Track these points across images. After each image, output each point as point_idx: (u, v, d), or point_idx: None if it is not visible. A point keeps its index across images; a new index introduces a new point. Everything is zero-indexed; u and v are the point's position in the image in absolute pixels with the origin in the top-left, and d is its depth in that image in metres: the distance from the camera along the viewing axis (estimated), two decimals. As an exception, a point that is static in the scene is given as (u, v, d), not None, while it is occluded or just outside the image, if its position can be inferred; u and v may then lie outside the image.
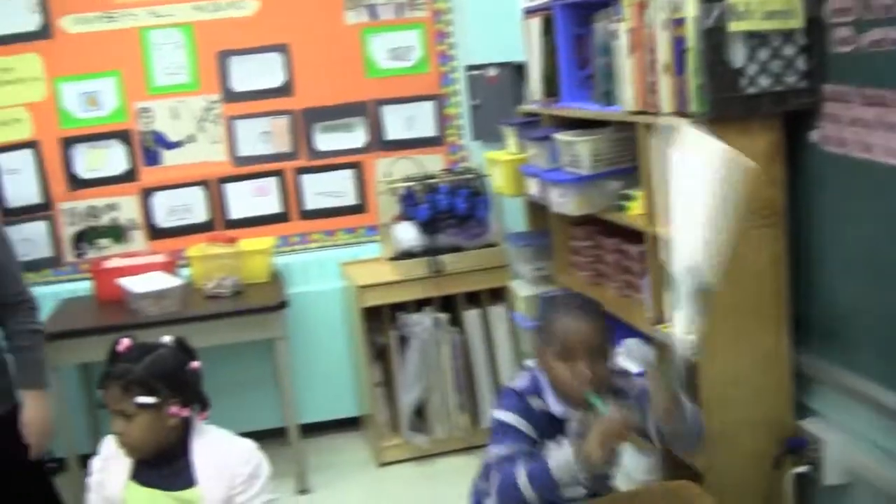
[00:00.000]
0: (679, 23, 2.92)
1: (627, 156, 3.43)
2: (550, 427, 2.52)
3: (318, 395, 5.15)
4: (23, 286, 3.14)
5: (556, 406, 2.54)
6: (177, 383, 2.52)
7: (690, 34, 2.86)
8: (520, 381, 2.60)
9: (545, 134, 3.79)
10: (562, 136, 3.61)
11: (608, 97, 3.48)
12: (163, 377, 2.49)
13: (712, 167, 2.11)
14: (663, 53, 3.01)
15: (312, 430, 5.16)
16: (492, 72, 4.83)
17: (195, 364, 2.60)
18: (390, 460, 4.78)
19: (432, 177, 4.81)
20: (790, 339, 3.04)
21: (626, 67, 3.26)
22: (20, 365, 3.08)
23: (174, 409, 2.49)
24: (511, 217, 4.82)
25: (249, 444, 2.63)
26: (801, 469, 3.00)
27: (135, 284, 4.40)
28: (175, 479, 2.53)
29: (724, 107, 2.84)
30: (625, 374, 2.60)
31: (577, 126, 3.69)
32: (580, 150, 3.50)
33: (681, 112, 2.97)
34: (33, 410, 3.06)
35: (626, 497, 2.86)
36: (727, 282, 2.88)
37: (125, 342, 2.58)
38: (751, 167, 2.08)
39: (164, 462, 2.54)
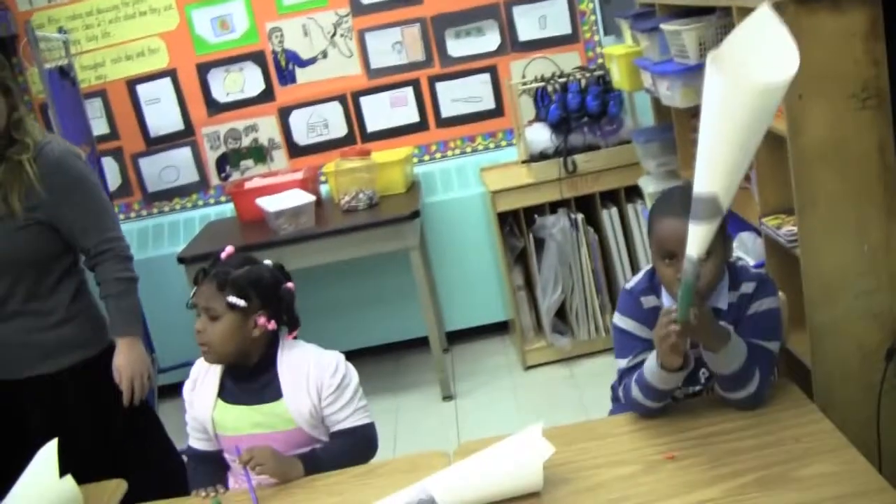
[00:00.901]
0: None
1: (735, 42, 3.33)
2: None
3: (465, 302, 5.28)
4: (112, 234, 3.09)
5: (669, 302, 2.47)
6: (269, 296, 2.60)
7: None
8: (635, 281, 2.56)
9: (655, 24, 3.71)
10: (667, 26, 3.53)
11: (711, -19, 3.37)
12: (257, 286, 2.58)
13: (752, 84, 1.84)
14: (748, -69, 2.90)
15: (461, 336, 5.33)
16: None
17: (290, 285, 2.70)
18: (535, 363, 4.87)
19: (563, 75, 4.78)
20: (903, 226, 2.93)
21: (719, -51, 3.15)
22: (111, 312, 3.10)
23: (261, 319, 2.57)
24: (643, 112, 4.75)
25: (336, 355, 2.67)
26: (916, 361, 2.91)
27: (271, 204, 4.60)
28: (261, 393, 2.61)
29: (811, -16, 2.72)
30: (744, 271, 2.51)
31: (690, 14, 3.60)
32: (685, 38, 3.42)
33: (769, -7, 2.86)
34: (123, 357, 3.06)
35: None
36: (829, 170, 2.82)
37: (229, 249, 2.68)
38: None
39: (250, 377, 2.63)
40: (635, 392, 2.38)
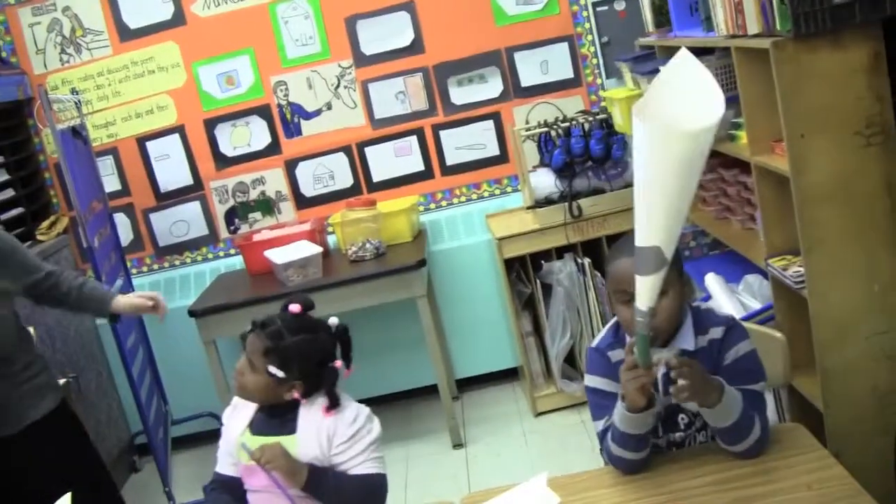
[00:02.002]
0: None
1: (734, 82, 3.24)
2: None
3: (474, 349, 5.17)
4: (40, 263, 3.28)
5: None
6: (311, 373, 2.54)
7: (768, -54, 2.66)
8: (600, 337, 2.46)
9: (655, 67, 3.63)
10: (667, 68, 3.45)
11: (710, 23, 3.29)
12: (302, 362, 2.52)
13: (681, 134, 1.78)
14: (745, -31, 2.81)
15: (471, 383, 5.22)
16: (620, 6, 4.66)
17: (338, 363, 2.60)
18: (545, 410, 4.75)
19: (566, 120, 4.69)
20: (912, 264, 2.81)
21: (716, -12, 3.07)
22: (96, 288, 3.39)
23: (295, 392, 2.53)
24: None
25: (359, 408, 2.61)
26: (933, 403, 2.78)
27: (279, 255, 4.52)
28: (281, 426, 2.57)
29: (812, 21, 2.63)
30: (711, 315, 2.40)
31: (690, 55, 3.52)
32: (685, 81, 3.33)
33: (767, 32, 2.78)
34: (133, 296, 3.45)
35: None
36: (834, 209, 2.71)
37: (296, 307, 2.60)
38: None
39: (277, 411, 2.59)
40: (613, 448, 2.27)
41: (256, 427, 2.60)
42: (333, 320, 2.63)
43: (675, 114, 1.79)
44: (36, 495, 2.93)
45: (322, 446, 2.51)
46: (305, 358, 2.52)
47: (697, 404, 2.17)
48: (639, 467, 2.28)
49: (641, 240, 1.91)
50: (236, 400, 2.68)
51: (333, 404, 2.57)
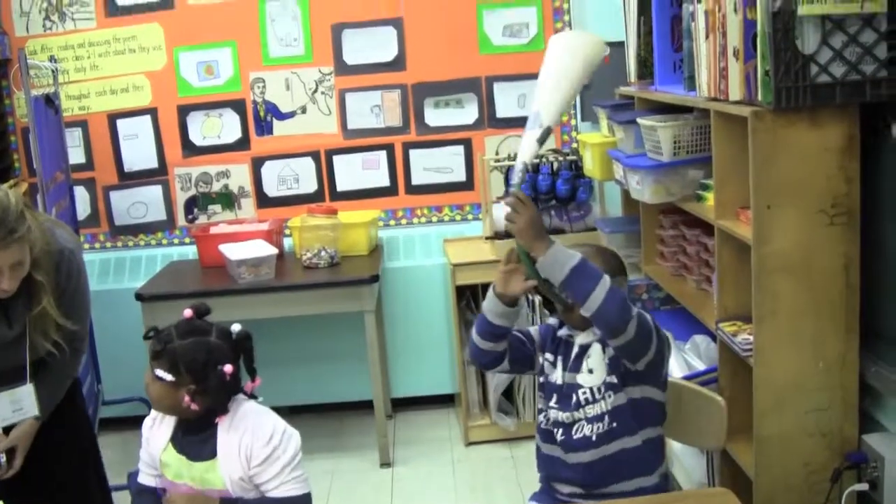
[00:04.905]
0: (752, 4, 2.71)
1: (709, 144, 3.24)
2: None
3: (414, 370, 5.11)
4: (82, 328, 2.95)
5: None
6: (201, 377, 2.48)
7: (760, 17, 2.65)
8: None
9: (632, 118, 3.62)
10: (644, 121, 3.45)
11: (692, 82, 3.28)
12: (190, 365, 2.46)
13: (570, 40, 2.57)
14: (734, 37, 2.81)
15: (407, 404, 5.16)
16: (605, 52, 4.63)
17: (228, 368, 2.52)
18: (477, 440, 4.69)
19: (536, 156, 4.66)
20: (859, 347, 2.80)
21: (703, 51, 3.06)
22: (43, 396, 2.88)
23: (186, 397, 2.46)
24: (612, 201, 4.65)
25: (275, 423, 2.54)
26: (860, 486, 2.77)
27: (233, 251, 4.45)
28: (200, 448, 2.52)
29: (792, 96, 2.63)
30: None
31: (668, 111, 3.52)
32: (661, 135, 3.34)
33: (748, 101, 2.77)
34: (26, 435, 2.86)
35: (661, 502, 2.70)
36: (791, 281, 2.71)
37: (188, 312, 2.57)
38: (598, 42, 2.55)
39: (194, 430, 2.54)
40: (473, 333, 2.62)
41: (179, 443, 2.56)
42: (235, 326, 2.58)
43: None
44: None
45: (244, 466, 2.48)
46: (192, 360, 2.46)
47: (529, 251, 2.36)
48: (482, 359, 2.66)
49: (533, 107, 2.43)
50: (156, 412, 2.64)
51: (221, 411, 2.53)
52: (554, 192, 4.58)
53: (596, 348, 2.54)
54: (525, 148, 2.42)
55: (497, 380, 4.59)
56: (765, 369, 2.79)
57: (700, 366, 3.21)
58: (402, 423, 5.03)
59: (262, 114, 4.99)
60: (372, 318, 4.42)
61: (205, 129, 5.00)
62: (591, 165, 4.10)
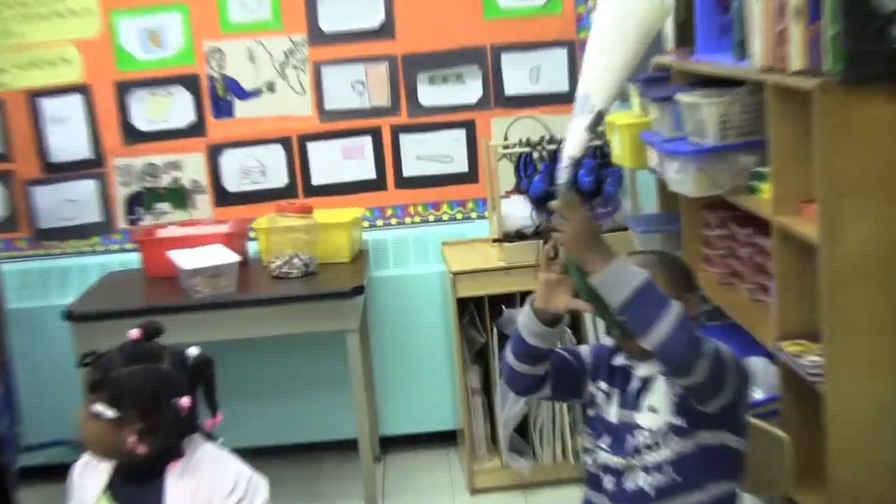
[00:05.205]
0: (818, -47, 2.70)
1: (764, 124, 3.23)
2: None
3: (408, 403, 5.13)
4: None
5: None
6: (150, 413, 2.47)
7: (828, -32, 2.64)
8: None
9: (670, 93, 3.61)
10: (685, 97, 3.44)
11: (742, 49, 3.27)
12: (134, 396, 2.45)
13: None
14: (796, -7, 2.80)
15: (399, 443, 5.17)
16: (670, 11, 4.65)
17: (184, 401, 2.52)
18: (484, 487, 4.70)
19: (553, 141, 4.66)
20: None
21: (756, 11, 3.05)
22: None
23: (131, 437, 2.45)
24: (646, 195, 4.65)
25: (239, 471, 2.55)
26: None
27: (186, 259, 4.44)
28: (145, 499, 2.51)
29: (866, 63, 2.61)
30: None
31: (714, 85, 3.50)
32: (705, 114, 3.33)
33: (812, 71, 2.76)
34: None
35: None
36: (870, 289, 2.69)
37: (135, 332, 2.56)
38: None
39: (137, 478, 2.54)
40: (507, 351, 2.58)
41: (117, 492, 2.56)
42: (193, 350, 2.59)
43: None
44: None
45: None
46: (139, 391, 2.45)
47: (581, 266, 2.32)
48: (518, 384, 2.61)
49: (580, 89, 2.37)
50: (87, 455, 2.63)
51: (173, 454, 2.53)
52: (576, 184, 4.56)
53: (660, 383, 2.49)
54: (573, 139, 2.37)
55: (508, 413, 4.59)
56: (838, 398, 2.77)
57: (757, 395, 3.20)
58: (392, 466, 5.03)
59: (220, 92, 4.99)
60: (356, 339, 4.41)
61: (151, 110, 5.00)
62: (619, 152, 4.10)
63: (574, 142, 2.36)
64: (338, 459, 5.05)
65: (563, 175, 2.36)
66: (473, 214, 5.15)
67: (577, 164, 2.36)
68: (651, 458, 2.45)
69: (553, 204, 2.34)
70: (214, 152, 5.05)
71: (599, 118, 2.35)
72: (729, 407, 2.40)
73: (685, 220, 3.92)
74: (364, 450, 4.52)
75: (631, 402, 2.52)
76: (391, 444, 5.17)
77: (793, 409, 3.05)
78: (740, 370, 2.42)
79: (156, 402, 2.47)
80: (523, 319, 2.50)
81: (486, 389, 4.80)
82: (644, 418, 2.48)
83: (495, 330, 4.63)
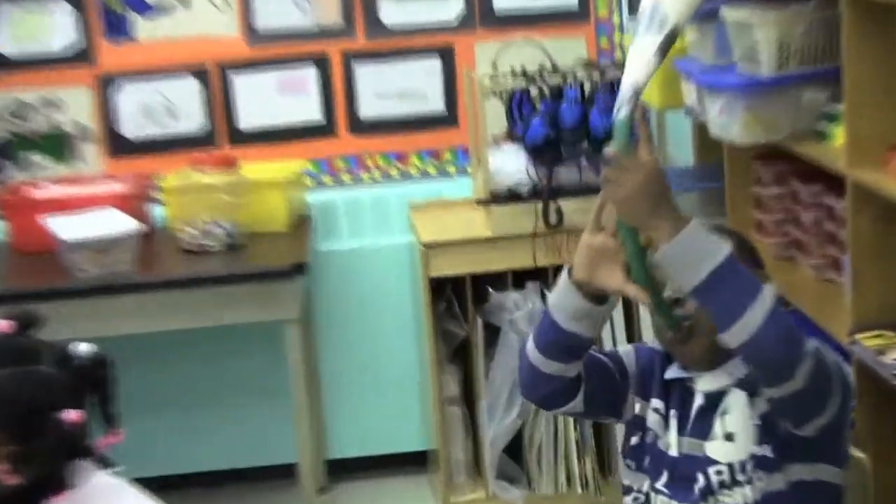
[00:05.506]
0: None
1: (837, 49, 3.24)
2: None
3: (364, 417, 5.17)
4: None
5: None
6: (23, 431, 2.44)
7: None
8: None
9: (713, 7, 3.61)
10: (733, 13, 3.45)
11: (809, -51, 3.28)
12: (3, 413, 2.42)
13: None
14: None
15: (351, 469, 5.21)
16: None
17: (70, 415, 2.51)
18: (467, 523, 4.73)
19: (557, 72, 4.66)
20: None
21: None
22: None
23: (2, 466, 2.42)
24: (679, 143, 4.66)
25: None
26: None
27: (67, 228, 4.43)
28: None
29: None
30: None
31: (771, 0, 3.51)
32: (759, 35, 3.34)
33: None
34: None
35: None
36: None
37: (4, 324, 2.54)
38: None
39: None
40: (528, 342, 2.54)
41: None
42: (83, 347, 2.54)
43: None
44: None
45: None
46: (8, 403, 2.42)
47: (642, 231, 2.27)
48: (541, 390, 2.55)
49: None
50: None
51: (55, 486, 2.47)
52: (586, 128, 4.57)
53: (735, 400, 2.42)
54: (637, 63, 2.31)
55: (496, 428, 4.60)
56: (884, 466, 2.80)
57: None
58: (342, 498, 5.06)
59: (114, 6, 4.97)
60: (297, 332, 4.44)
61: (21, 30, 4.99)
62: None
63: (639, 66, 2.30)
64: (272, 490, 5.09)
65: (623, 111, 2.27)
66: (451, 168, 5.18)
67: (639, 92, 2.29)
68: (729, 500, 2.40)
69: (608, 150, 2.26)
70: (106, 86, 5.05)
71: (672, 37, 2.30)
72: (830, 428, 2.33)
73: (730, 176, 3.94)
74: (306, 477, 4.55)
75: (696, 427, 2.46)
76: (341, 470, 5.21)
77: (872, 418, 3.07)
78: (844, 379, 2.36)
79: (31, 417, 2.45)
80: (556, 297, 2.44)
81: (467, 399, 4.82)
82: (717, 449, 2.42)
83: (480, 320, 4.65)
